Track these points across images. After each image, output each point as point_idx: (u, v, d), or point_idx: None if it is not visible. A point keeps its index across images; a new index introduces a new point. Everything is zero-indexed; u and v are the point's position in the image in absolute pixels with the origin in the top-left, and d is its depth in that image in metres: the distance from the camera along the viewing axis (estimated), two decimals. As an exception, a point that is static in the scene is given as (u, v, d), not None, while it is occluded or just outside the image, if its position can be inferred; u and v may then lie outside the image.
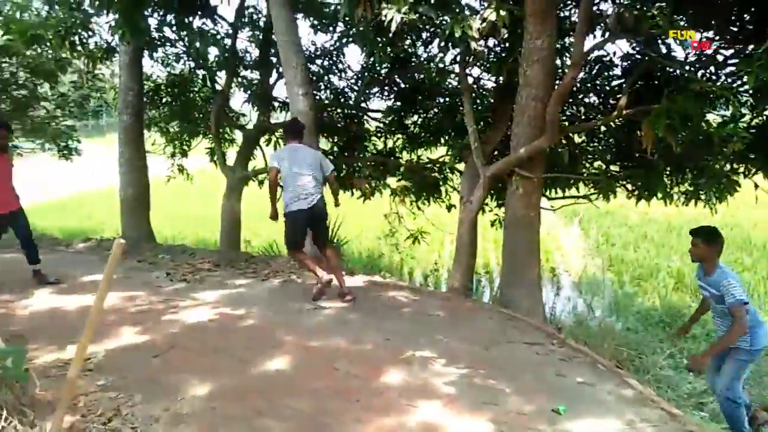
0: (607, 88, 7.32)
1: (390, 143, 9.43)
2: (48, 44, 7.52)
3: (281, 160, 5.30)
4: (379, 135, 9.52)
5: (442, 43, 5.97)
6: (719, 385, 4.08)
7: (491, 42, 7.35)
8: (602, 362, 4.00)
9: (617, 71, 7.11)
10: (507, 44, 7.07)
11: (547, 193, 7.84)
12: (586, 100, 7.64)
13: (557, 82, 5.98)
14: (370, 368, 3.71)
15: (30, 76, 11.24)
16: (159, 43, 8.84)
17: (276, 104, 9.63)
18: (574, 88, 6.79)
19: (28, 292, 5.70)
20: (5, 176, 5.77)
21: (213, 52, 9.34)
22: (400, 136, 9.30)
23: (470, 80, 7.46)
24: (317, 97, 9.37)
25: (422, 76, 8.60)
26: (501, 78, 7.13)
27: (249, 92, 9.96)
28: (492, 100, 8.19)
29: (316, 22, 9.17)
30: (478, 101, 8.47)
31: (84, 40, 7.87)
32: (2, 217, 5.76)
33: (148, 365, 3.84)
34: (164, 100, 9.99)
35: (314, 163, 5.36)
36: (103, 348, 4.14)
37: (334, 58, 9.41)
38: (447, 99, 8.80)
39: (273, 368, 3.73)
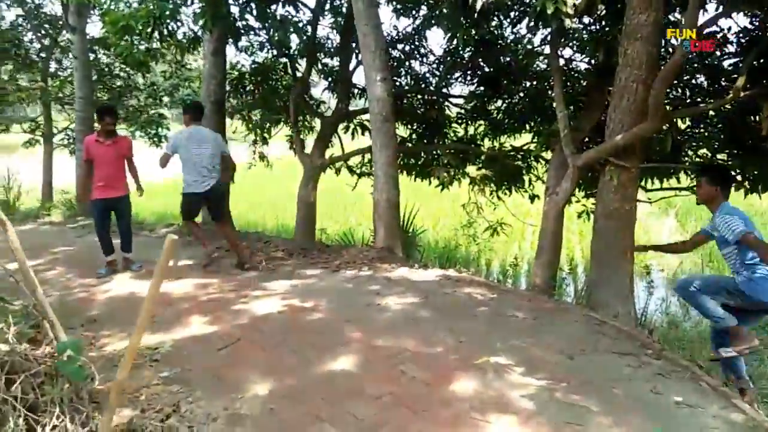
0: (719, 67, 6.55)
1: (471, 130, 9.01)
2: (138, 35, 7.67)
3: (180, 144, 5.66)
4: (460, 122, 9.13)
5: (532, 22, 5.51)
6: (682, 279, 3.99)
7: (586, 19, 6.79)
8: (706, 380, 3.46)
9: (731, 48, 6.34)
10: (604, 21, 6.49)
11: (643, 184, 7.18)
12: (693, 81, 6.88)
13: (662, 62, 5.37)
14: (440, 374, 3.40)
15: (123, 67, 11.79)
16: (243, 31, 8.86)
17: (355, 91, 9.43)
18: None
19: (109, 276, 5.86)
20: (112, 162, 5.90)
21: (295, 39, 9.32)
22: (482, 122, 8.87)
23: (561, 62, 6.92)
24: (397, 83, 9.12)
25: (508, 58, 8.10)
26: (596, 58, 6.56)
27: (330, 79, 9.86)
28: (585, 83, 7.59)
29: (399, 6, 8.87)
30: (569, 84, 7.87)
31: (173, 31, 8.01)
32: (106, 200, 5.90)
33: (213, 358, 3.76)
34: (248, 88, 10.07)
35: (214, 145, 5.80)
36: (171, 337, 4.12)
37: (416, 43, 9.10)
38: (534, 83, 8.26)
39: (337, 368, 3.51)
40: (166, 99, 13.55)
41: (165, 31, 7.81)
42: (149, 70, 11.56)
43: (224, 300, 4.97)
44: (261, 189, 19.86)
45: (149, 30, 7.51)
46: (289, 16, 8.56)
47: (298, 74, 9.55)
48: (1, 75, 13.50)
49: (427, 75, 9.33)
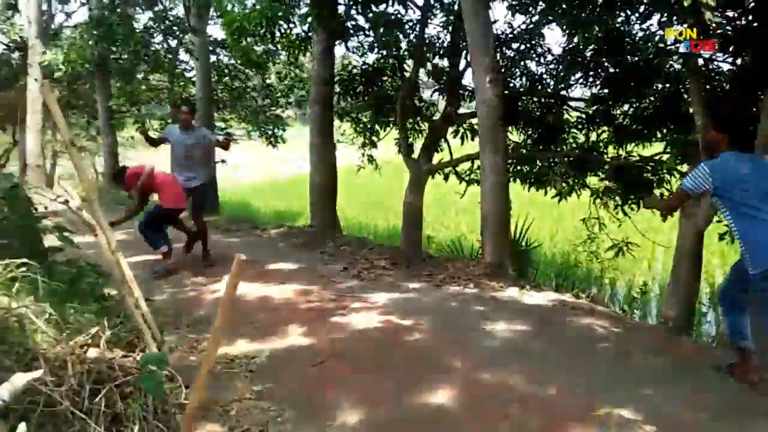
0: None
1: (593, 137, 8.30)
2: (252, 35, 7.84)
3: None
4: (580, 127, 8.44)
5: (665, 17, 4.88)
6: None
7: (730, 12, 5.97)
8: None
9: None
10: (752, 15, 5.65)
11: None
12: None
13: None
14: (551, 423, 2.97)
15: (241, 68, 12.27)
16: (352, 32, 8.80)
17: (465, 93, 9.05)
18: None
19: (219, 275, 5.93)
20: None
21: (404, 39, 9.11)
22: (605, 128, 8.12)
23: (700, 62, 6.13)
24: (511, 84, 8.64)
25: (636, 58, 7.34)
26: (742, 59, 5.73)
27: (440, 81, 9.55)
28: (728, 87, 6.69)
29: (514, 2, 8.38)
30: (708, 87, 6.97)
31: (286, 31, 8.10)
32: None
33: (305, 375, 3.63)
34: (358, 90, 10.01)
35: None
36: (269, 347, 4.06)
37: (532, 41, 8.54)
38: (667, 85, 7.42)
39: (433, 402, 3.20)
40: (282, 100, 13.97)
41: (278, 32, 7.91)
42: (266, 70, 11.94)
43: (323, 310, 4.85)
44: (372, 191, 19.98)
45: (262, 31, 7.64)
46: (399, 15, 8.38)
47: (407, 75, 9.34)
48: (136, 75, 14.53)
49: (544, 76, 8.74)
